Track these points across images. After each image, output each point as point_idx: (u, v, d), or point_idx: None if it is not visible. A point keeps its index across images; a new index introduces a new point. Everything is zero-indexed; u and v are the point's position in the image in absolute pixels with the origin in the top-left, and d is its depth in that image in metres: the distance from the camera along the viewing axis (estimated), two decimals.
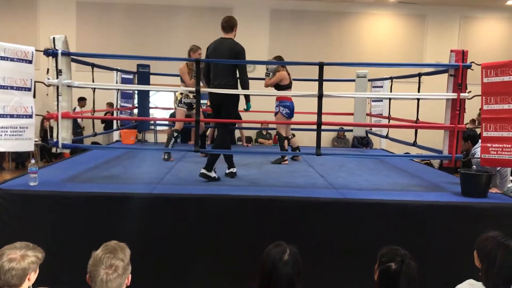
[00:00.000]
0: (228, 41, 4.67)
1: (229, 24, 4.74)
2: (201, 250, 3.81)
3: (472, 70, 4.40)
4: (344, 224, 3.87)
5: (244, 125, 8.13)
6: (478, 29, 12.04)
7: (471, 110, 5.01)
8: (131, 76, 7.44)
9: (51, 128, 4.48)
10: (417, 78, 5.65)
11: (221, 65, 4.59)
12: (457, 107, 4.40)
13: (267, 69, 6.21)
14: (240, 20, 12.33)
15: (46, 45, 4.30)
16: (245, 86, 4.63)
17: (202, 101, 5.03)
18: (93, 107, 6.10)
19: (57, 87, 4.24)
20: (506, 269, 2.30)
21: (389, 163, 6.19)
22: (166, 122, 8.43)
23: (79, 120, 10.44)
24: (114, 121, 7.85)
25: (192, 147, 4.83)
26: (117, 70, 7.14)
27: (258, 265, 2.14)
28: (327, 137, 11.26)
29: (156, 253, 3.79)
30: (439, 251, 3.85)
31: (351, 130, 8.56)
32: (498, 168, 4.73)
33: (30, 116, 4.03)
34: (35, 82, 4.11)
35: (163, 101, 11.31)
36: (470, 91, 4.43)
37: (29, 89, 4.03)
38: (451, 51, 4.50)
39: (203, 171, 4.58)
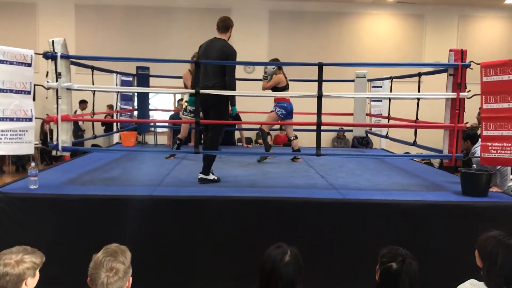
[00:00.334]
0: (220, 42, 4.59)
1: (224, 25, 4.66)
2: (201, 251, 3.81)
3: (471, 69, 4.40)
4: (344, 224, 3.87)
5: (243, 126, 8.13)
6: (477, 28, 12.05)
7: (471, 110, 5.01)
8: (130, 78, 7.44)
9: (51, 131, 4.48)
10: (417, 77, 5.65)
11: (211, 65, 4.52)
12: (456, 106, 4.41)
13: (265, 72, 6.21)
14: (239, 21, 12.35)
15: (46, 48, 4.30)
16: (231, 88, 4.51)
17: None
18: (93, 110, 6.11)
19: (57, 90, 4.24)
20: (507, 269, 2.29)
21: (389, 162, 6.19)
22: (166, 124, 8.43)
23: (80, 122, 10.45)
24: (114, 123, 7.84)
25: (192, 149, 4.84)
26: (116, 72, 7.14)
27: (258, 266, 2.13)
28: (327, 137, 11.26)
29: (156, 254, 3.78)
30: (440, 250, 3.85)
31: (351, 130, 8.57)
32: (498, 167, 4.73)
33: (30, 119, 4.03)
34: (34, 85, 4.11)
35: (163, 103, 11.32)
36: (469, 90, 4.43)
37: (29, 92, 4.03)
38: (450, 50, 4.50)
39: (201, 176, 4.57)
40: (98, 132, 8.09)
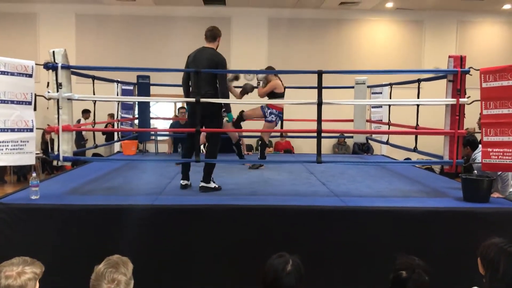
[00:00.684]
0: (209, 50, 4.66)
1: (211, 34, 4.73)
2: (203, 260, 3.80)
3: (471, 75, 4.41)
4: (346, 232, 3.86)
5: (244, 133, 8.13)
6: (475, 33, 12.09)
7: (471, 115, 5.02)
8: (131, 87, 7.46)
9: (52, 141, 4.49)
10: (416, 83, 5.66)
11: (202, 74, 4.54)
12: (456, 112, 4.41)
13: (257, 79, 6.23)
14: (239, 29, 12.41)
15: (47, 58, 4.32)
16: (224, 96, 4.60)
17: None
18: (94, 119, 6.13)
19: (58, 100, 4.26)
20: (510, 276, 2.28)
21: (390, 169, 6.18)
22: (167, 132, 8.44)
23: (83, 132, 10.48)
24: (115, 132, 7.86)
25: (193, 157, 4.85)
26: (117, 81, 7.16)
27: (260, 276, 2.13)
28: (327, 144, 11.28)
29: (158, 264, 3.77)
30: (442, 257, 3.83)
31: (352, 137, 8.58)
32: (499, 173, 4.72)
33: (31, 130, 4.04)
34: (35, 95, 4.12)
35: (163, 111, 11.35)
36: (469, 96, 4.43)
37: (30, 103, 4.04)
38: (449, 56, 4.51)
39: (202, 184, 4.59)
40: (100, 141, 8.11)
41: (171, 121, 9.22)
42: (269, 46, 11.74)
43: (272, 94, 6.12)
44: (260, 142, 6.54)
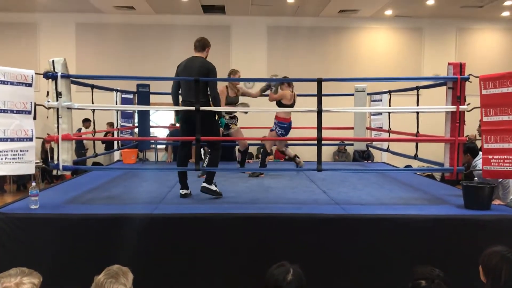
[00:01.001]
0: (200, 59, 4.73)
1: (201, 44, 4.81)
2: (203, 269, 3.78)
3: (470, 82, 4.41)
4: (347, 240, 3.84)
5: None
6: (475, 40, 12.13)
7: (472, 122, 5.01)
8: (131, 96, 7.48)
9: (52, 150, 4.48)
10: (416, 91, 5.67)
11: (193, 82, 4.58)
12: (456, 119, 4.41)
13: (271, 84, 6.26)
14: (238, 37, 12.44)
15: (47, 67, 4.33)
16: (216, 103, 4.66)
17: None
18: (94, 128, 6.13)
19: (57, 109, 4.26)
20: (511, 284, 2.27)
21: (391, 176, 6.17)
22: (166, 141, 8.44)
23: (84, 141, 10.47)
24: (115, 141, 7.85)
25: (192, 166, 4.84)
26: (117, 90, 7.17)
27: (261, 285, 2.11)
28: (328, 151, 11.28)
29: (159, 273, 3.75)
30: (443, 264, 3.80)
31: (352, 144, 8.58)
32: (500, 180, 4.71)
33: (31, 139, 4.03)
34: (35, 104, 4.12)
35: (163, 120, 11.35)
36: (469, 103, 4.43)
37: (29, 112, 4.04)
38: (449, 64, 4.51)
39: (204, 185, 4.62)
40: (99, 150, 8.09)
41: (171, 130, 9.24)
42: (268, 54, 11.77)
43: (280, 104, 6.16)
44: (262, 150, 6.56)
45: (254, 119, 8.15)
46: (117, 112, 7.40)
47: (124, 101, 7.42)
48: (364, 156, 10.69)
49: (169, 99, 8.15)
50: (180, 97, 4.89)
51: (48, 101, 4.28)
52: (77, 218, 3.84)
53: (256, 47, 11.73)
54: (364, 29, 11.96)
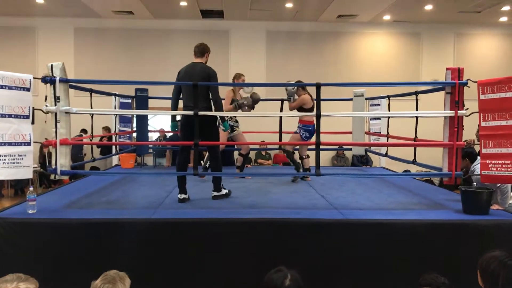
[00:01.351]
0: (200, 65, 4.80)
1: (200, 50, 4.88)
2: (201, 274, 3.76)
3: (469, 87, 4.42)
4: (346, 245, 3.83)
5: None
6: (473, 45, 12.16)
7: (470, 127, 5.01)
8: (129, 100, 7.47)
9: (50, 154, 4.47)
10: (414, 96, 5.67)
11: (197, 88, 4.60)
12: (455, 124, 4.41)
13: (287, 94, 6.27)
14: (237, 42, 12.46)
15: (45, 72, 4.32)
16: (219, 107, 4.72)
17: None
18: (91, 133, 6.12)
19: (55, 114, 4.26)
20: None
21: (389, 181, 6.17)
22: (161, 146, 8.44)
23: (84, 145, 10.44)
24: (113, 146, 7.84)
25: (191, 170, 4.84)
26: (115, 95, 7.16)
27: None
28: (326, 156, 11.27)
29: (156, 279, 3.74)
30: (441, 269, 3.79)
31: (351, 149, 8.58)
32: (498, 185, 4.71)
33: (29, 144, 4.03)
34: (33, 108, 4.11)
35: (161, 124, 11.34)
36: (467, 108, 4.43)
37: (27, 117, 4.03)
38: (447, 69, 4.51)
39: (214, 193, 4.77)
40: (97, 154, 8.09)
41: (169, 134, 9.24)
42: (267, 59, 11.79)
43: (301, 109, 6.15)
44: (286, 154, 6.60)
45: (254, 124, 8.14)
46: (115, 117, 7.39)
47: (123, 106, 7.42)
48: (362, 160, 10.69)
49: (167, 103, 8.19)
50: (181, 102, 4.90)
51: (46, 106, 4.28)
52: (75, 222, 3.82)
53: (255, 51, 11.75)
54: (363, 34, 11.98)
